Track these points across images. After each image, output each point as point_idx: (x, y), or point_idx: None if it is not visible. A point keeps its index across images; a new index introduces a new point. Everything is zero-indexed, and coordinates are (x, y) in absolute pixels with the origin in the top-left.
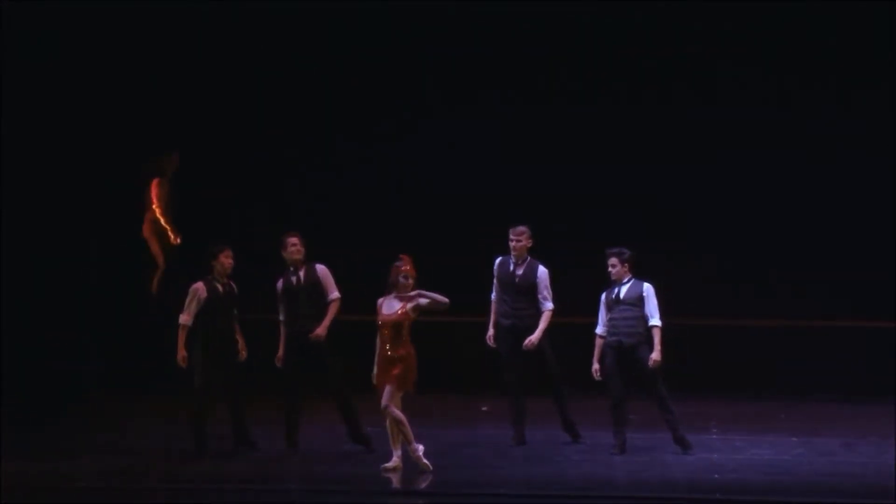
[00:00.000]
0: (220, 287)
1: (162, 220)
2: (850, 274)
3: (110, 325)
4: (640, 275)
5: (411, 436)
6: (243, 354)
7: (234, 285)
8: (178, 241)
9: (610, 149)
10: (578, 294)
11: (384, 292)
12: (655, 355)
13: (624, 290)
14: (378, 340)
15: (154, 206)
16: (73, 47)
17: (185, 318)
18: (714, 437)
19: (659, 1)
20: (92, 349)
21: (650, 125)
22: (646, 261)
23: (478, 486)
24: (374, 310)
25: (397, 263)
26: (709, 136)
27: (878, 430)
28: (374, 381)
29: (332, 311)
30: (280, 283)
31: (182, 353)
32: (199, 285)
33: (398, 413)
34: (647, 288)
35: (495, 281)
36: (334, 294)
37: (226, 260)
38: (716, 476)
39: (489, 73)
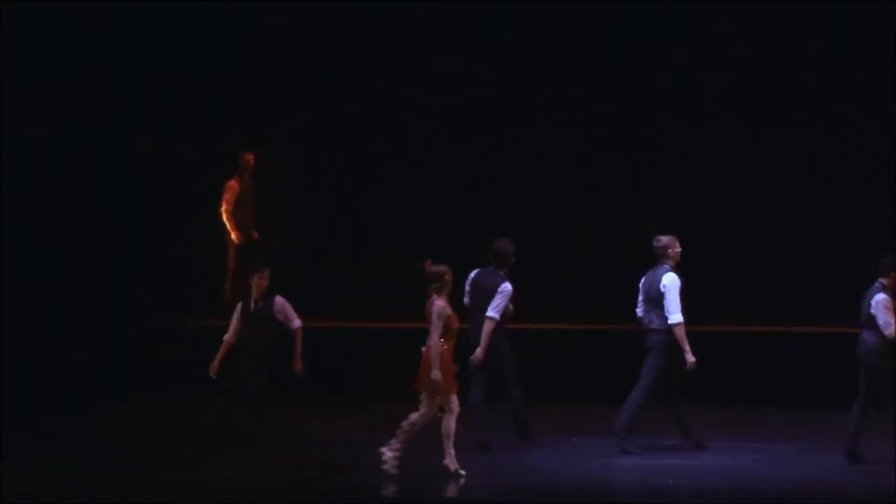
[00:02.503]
0: (252, 305)
1: (227, 223)
2: (841, 278)
3: (112, 327)
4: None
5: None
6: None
7: (269, 305)
8: (241, 241)
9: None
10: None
11: (433, 297)
12: None
13: None
14: (448, 344)
15: (222, 208)
16: (73, 46)
17: (226, 336)
18: (670, 442)
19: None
20: (93, 352)
21: (648, 125)
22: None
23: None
24: None
25: (440, 269)
26: (705, 138)
27: (833, 437)
28: (435, 385)
29: None
30: (510, 286)
31: (213, 363)
32: (239, 304)
33: None
34: None
35: (680, 298)
36: None
37: (260, 281)
38: (671, 482)
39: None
